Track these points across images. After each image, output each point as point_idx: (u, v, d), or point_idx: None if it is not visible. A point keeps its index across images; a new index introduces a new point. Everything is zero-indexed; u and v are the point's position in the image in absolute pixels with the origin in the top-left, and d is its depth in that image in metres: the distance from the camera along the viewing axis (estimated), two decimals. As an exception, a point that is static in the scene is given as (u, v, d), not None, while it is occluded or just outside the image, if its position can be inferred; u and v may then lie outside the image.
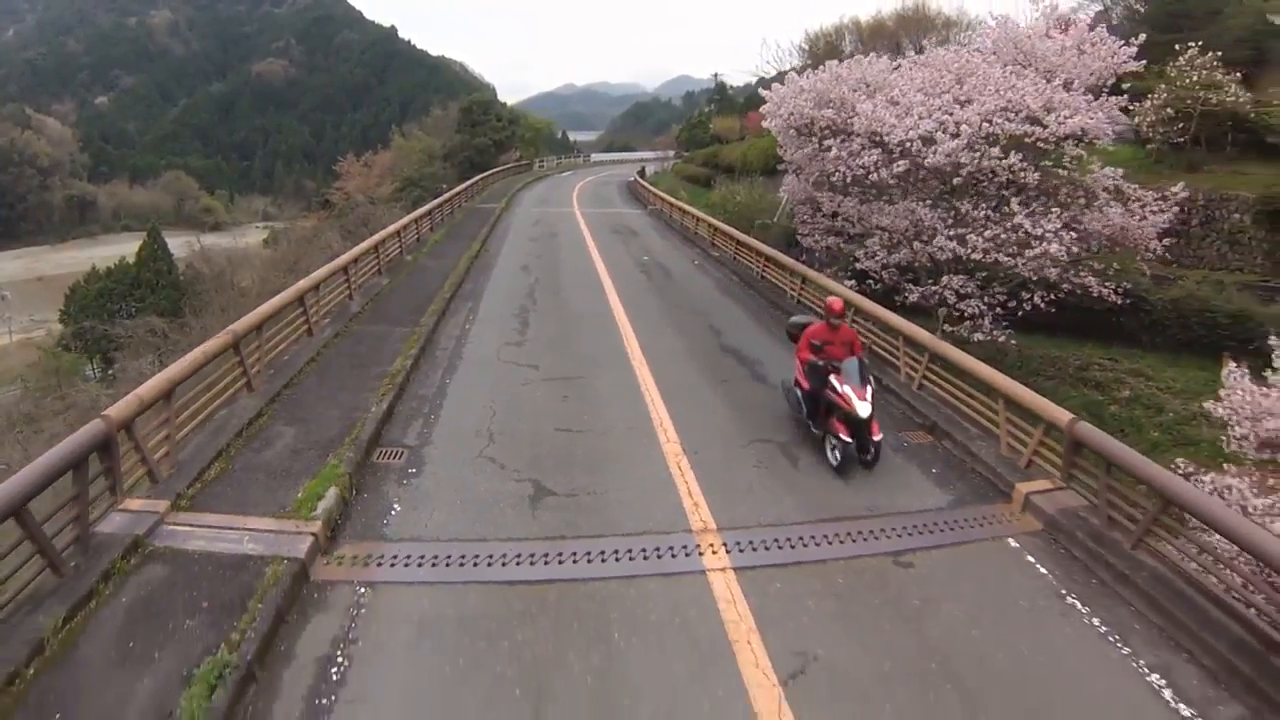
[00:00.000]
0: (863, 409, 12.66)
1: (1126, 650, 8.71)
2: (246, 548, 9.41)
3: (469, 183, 55.61)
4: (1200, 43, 35.11)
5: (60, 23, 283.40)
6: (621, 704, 7.58)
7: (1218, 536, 9.17)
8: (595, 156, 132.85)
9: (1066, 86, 21.16)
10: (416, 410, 14.81)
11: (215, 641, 7.71)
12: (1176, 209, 21.79)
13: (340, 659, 8.05)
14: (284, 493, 10.74)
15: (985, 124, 20.27)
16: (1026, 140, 20.22)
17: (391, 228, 29.48)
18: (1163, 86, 35.01)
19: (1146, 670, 8.40)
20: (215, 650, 7.54)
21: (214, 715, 6.86)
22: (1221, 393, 12.23)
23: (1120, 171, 21.76)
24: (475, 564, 9.85)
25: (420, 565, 9.79)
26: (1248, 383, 11.68)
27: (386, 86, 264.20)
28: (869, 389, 12.83)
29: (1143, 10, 51.31)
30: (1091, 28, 23.21)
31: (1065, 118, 19.90)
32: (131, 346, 48.08)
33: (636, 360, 18.20)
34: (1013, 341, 22.82)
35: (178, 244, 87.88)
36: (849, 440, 12.66)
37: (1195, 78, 34.49)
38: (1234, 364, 12.43)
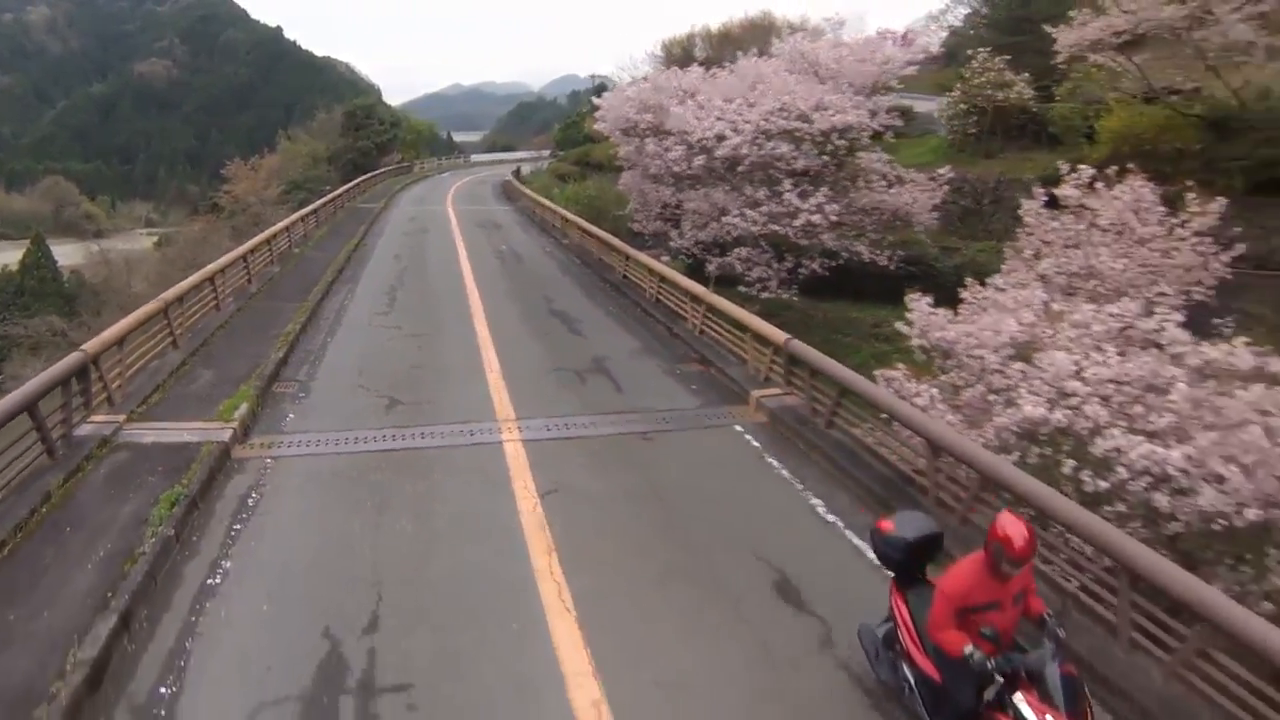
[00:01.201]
0: None
1: (801, 487, 13.22)
2: (186, 438, 13.47)
3: (351, 184, 58.78)
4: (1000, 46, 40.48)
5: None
6: (435, 507, 12.00)
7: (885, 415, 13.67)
8: (476, 157, 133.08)
9: (861, 91, 26.36)
10: (305, 358, 19.06)
11: (170, 485, 11.73)
12: (946, 188, 27.19)
13: (254, 495, 12.26)
14: (210, 408, 14.77)
15: (763, 122, 25.12)
16: (796, 135, 25.08)
17: (281, 224, 33.50)
18: (958, 86, 40.40)
19: (812, 497, 12.90)
20: (170, 489, 11.59)
21: (172, 520, 10.83)
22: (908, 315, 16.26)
23: (887, 157, 26.90)
24: (345, 443, 14.22)
25: (308, 446, 14.07)
26: (924, 305, 15.62)
27: (272, 88, 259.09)
28: None
29: (990, 16, 56.98)
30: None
31: (830, 116, 24.83)
32: (26, 347, 50.31)
33: (480, 322, 22.84)
34: (795, 299, 27.38)
35: (61, 251, 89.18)
36: None
37: (986, 78, 39.84)
38: (919, 294, 16.21)
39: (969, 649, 6.74)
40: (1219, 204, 17.66)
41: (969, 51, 40.67)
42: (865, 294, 30.48)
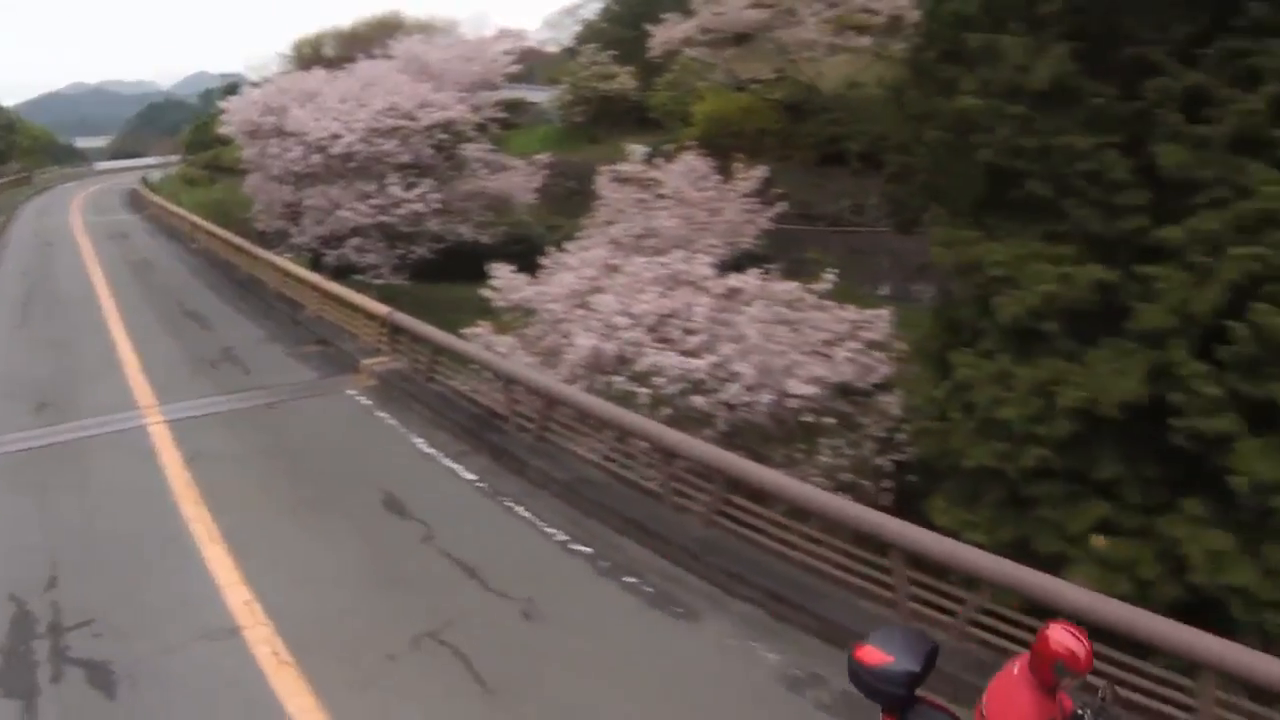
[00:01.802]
0: None
1: (405, 430, 15.21)
2: None
3: (-41, 203, 54.82)
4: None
5: None
6: (93, 483, 13.22)
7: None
8: (102, 165, 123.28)
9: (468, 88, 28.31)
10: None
11: None
12: (546, 171, 29.73)
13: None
14: None
15: (374, 121, 26.65)
16: (403, 131, 26.79)
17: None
18: (566, 79, 43.26)
19: (414, 437, 14.91)
20: None
21: None
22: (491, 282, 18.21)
23: (492, 147, 29.09)
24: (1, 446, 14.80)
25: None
26: (505, 271, 17.41)
27: None
28: None
29: (615, 12, 60.14)
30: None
31: (433, 113, 26.74)
32: None
33: (116, 326, 23.18)
34: (408, 283, 28.55)
35: None
36: None
37: (592, 71, 42.86)
38: (504, 263, 18.15)
39: None
40: (761, 171, 20.97)
41: (577, 47, 43.57)
42: (476, 274, 32.03)
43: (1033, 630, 8.68)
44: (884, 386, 14.59)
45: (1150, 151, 11.39)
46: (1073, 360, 11.53)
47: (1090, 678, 6.03)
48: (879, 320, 14.69)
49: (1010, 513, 11.98)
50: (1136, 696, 8.46)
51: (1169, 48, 11.57)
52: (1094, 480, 11.57)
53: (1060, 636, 5.82)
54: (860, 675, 6.67)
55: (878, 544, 9.98)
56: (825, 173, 30.33)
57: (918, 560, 9.64)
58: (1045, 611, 9.07)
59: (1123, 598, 9.18)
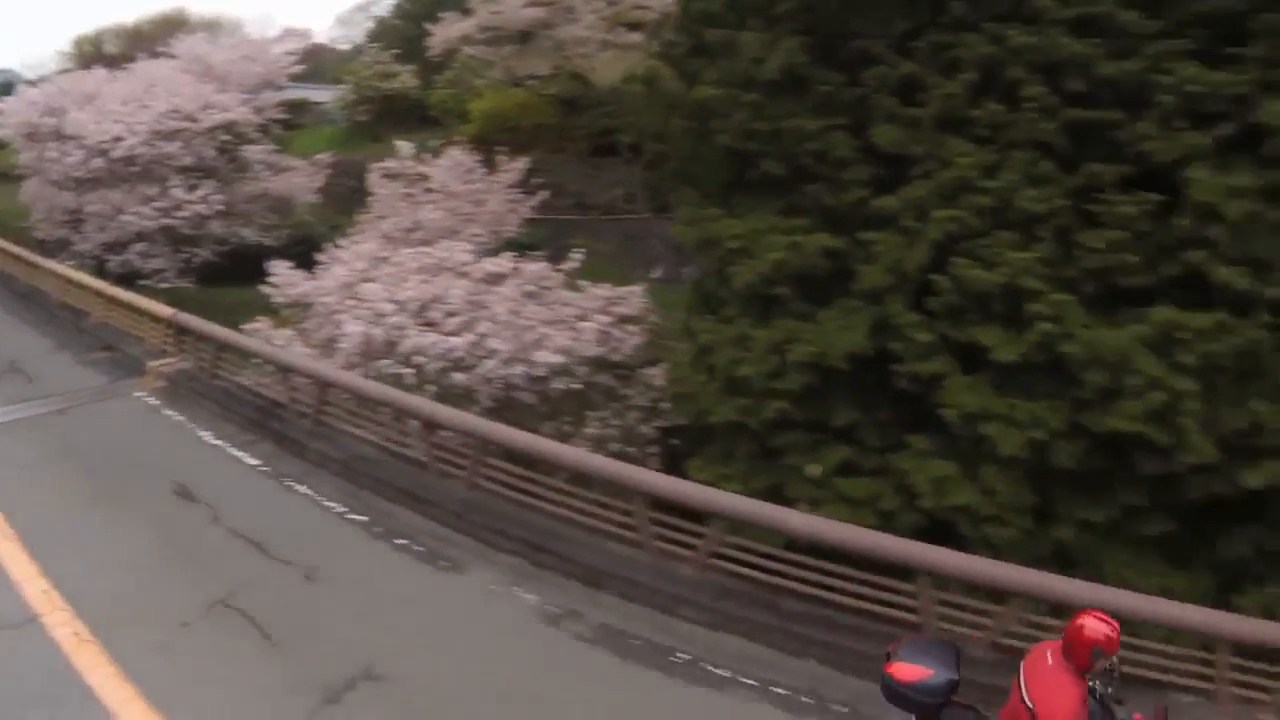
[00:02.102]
0: None
1: (193, 425, 15.97)
2: None
3: None
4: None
5: None
6: None
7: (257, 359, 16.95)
8: None
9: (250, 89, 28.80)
10: None
11: None
12: (329, 171, 30.49)
13: None
14: None
15: (156, 124, 26.91)
16: (185, 133, 27.17)
17: None
18: (348, 78, 43.71)
19: (202, 430, 15.71)
20: None
21: None
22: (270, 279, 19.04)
23: (274, 148, 29.68)
24: None
25: None
26: (283, 268, 18.44)
27: None
28: None
29: (406, 10, 60.14)
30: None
31: (215, 115, 27.20)
32: None
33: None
34: (193, 287, 28.50)
35: None
36: None
37: (374, 70, 43.41)
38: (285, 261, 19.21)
39: None
40: (523, 162, 22.46)
41: (365, 45, 43.89)
42: (260, 276, 31.57)
43: (763, 555, 10.68)
44: (651, 361, 16.33)
45: (870, 132, 13.19)
46: (805, 320, 13.06)
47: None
48: (632, 296, 16.42)
49: (761, 464, 13.50)
50: (865, 605, 10.30)
51: (889, 41, 13.39)
52: (833, 427, 13.14)
53: (1094, 624, 6.53)
54: (902, 692, 7.00)
55: (626, 493, 11.55)
56: (599, 163, 31.97)
57: (659, 503, 11.26)
58: (776, 539, 10.95)
59: (873, 529, 10.90)
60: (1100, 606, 7.77)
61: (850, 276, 13.04)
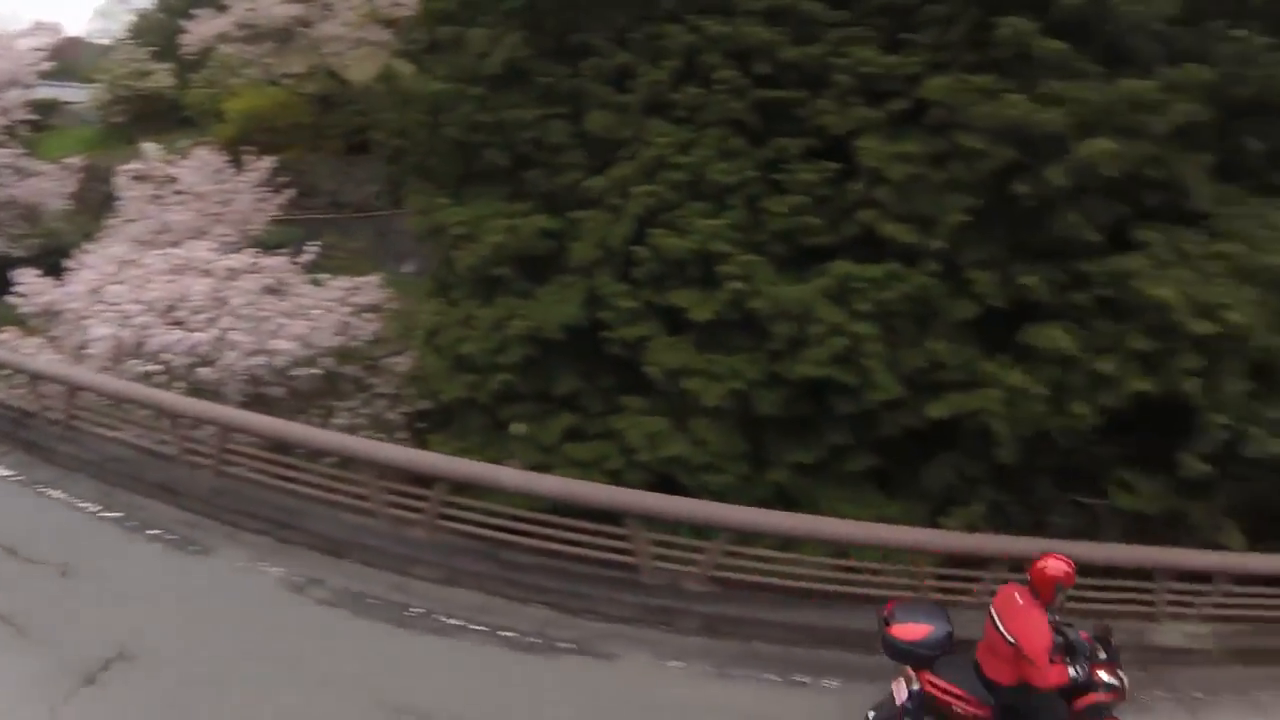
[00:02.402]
0: None
1: None
2: None
3: None
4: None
5: None
6: None
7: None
8: None
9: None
10: None
11: None
12: (81, 175, 30.11)
13: None
14: None
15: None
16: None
17: None
18: (101, 76, 42.34)
19: None
20: None
21: None
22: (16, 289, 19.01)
23: (22, 151, 29.00)
24: None
25: None
26: (30, 277, 18.41)
27: None
28: None
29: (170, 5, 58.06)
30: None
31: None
32: None
33: None
34: None
35: None
36: None
37: (128, 69, 42.15)
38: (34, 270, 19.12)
39: (1073, 671, 7.91)
40: (268, 161, 23.15)
41: (123, 41, 42.38)
42: (9, 288, 31.24)
43: (489, 513, 11.97)
44: (398, 350, 17.37)
45: (585, 119, 14.59)
46: (526, 298, 14.53)
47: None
48: (368, 286, 17.35)
49: (494, 436, 14.86)
50: (590, 554, 11.76)
51: (610, 34, 14.86)
52: (557, 396, 14.63)
53: (1055, 564, 7.95)
54: (906, 648, 8.27)
55: (357, 465, 12.64)
56: (354, 161, 32.33)
57: (390, 472, 12.38)
58: (487, 493, 12.09)
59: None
60: (814, 536, 9.76)
61: (566, 255, 14.22)
